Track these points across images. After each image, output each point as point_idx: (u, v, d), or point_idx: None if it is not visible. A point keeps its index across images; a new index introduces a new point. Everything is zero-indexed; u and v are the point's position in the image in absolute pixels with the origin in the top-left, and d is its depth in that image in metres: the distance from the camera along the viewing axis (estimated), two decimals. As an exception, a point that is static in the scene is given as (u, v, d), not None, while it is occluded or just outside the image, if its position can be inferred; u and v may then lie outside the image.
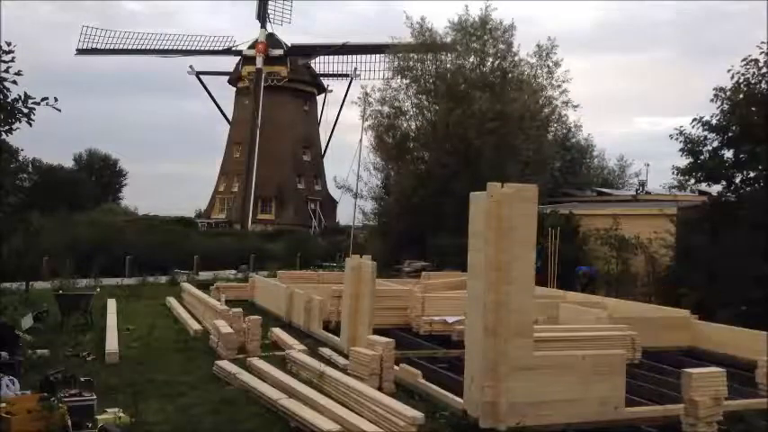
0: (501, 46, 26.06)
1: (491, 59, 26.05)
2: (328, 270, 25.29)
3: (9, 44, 8.21)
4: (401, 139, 25.37)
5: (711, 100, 16.69)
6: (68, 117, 9.33)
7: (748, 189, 16.13)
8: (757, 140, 15.61)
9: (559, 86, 26.71)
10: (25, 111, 8.24)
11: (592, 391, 7.05)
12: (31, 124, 8.36)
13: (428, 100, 25.19)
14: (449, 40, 25.86)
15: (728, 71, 16.36)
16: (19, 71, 8.24)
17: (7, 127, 8.41)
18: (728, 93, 16.32)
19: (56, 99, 8.34)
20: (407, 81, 26.00)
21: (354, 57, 48.59)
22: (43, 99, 8.28)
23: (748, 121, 15.73)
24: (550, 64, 26.44)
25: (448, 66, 25.14)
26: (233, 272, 26.44)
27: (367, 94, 27.08)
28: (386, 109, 26.41)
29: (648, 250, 18.28)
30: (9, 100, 8.22)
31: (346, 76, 49.23)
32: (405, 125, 25.99)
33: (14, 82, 8.22)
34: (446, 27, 26.11)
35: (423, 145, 24.43)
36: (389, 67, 27.91)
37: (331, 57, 49.45)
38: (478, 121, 23.43)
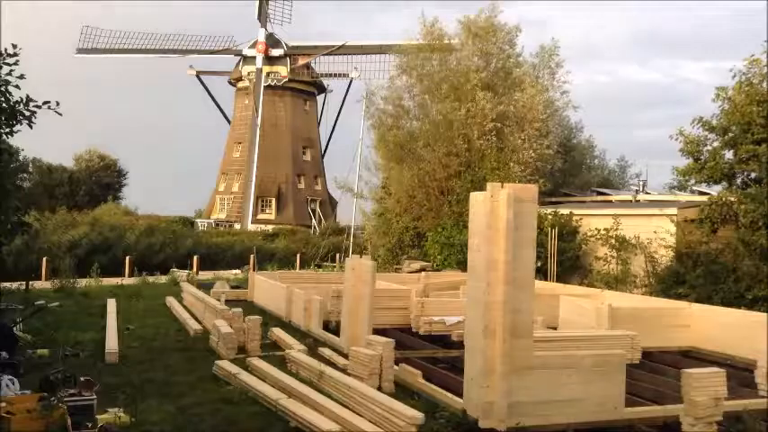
0: (506, 47, 26.10)
1: (495, 60, 26.06)
2: (328, 270, 25.32)
3: (15, 46, 8.19)
4: (403, 139, 25.36)
5: (713, 100, 16.72)
6: (69, 117, 9.31)
7: (749, 189, 16.15)
8: (758, 140, 15.63)
9: (560, 87, 26.81)
10: (27, 113, 8.23)
11: (592, 391, 7.05)
12: (32, 127, 8.35)
13: (431, 99, 25.16)
14: (457, 40, 25.90)
15: (730, 70, 16.38)
16: (22, 75, 8.23)
17: (8, 129, 8.40)
18: (730, 92, 16.35)
19: (57, 103, 8.33)
20: (412, 80, 26.02)
21: (354, 57, 48.66)
22: (45, 102, 8.27)
23: (749, 121, 15.75)
24: (553, 65, 26.52)
25: (453, 64, 25.13)
26: (234, 271, 26.50)
27: (372, 93, 27.13)
28: (389, 108, 26.42)
29: (648, 250, 18.29)
30: (12, 103, 8.20)
31: (346, 76, 49.29)
32: (407, 124, 25.98)
33: (17, 86, 8.21)
34: (455, 24, 26.25)
35: (425, 145, 24.41)
36: (394, 66, 27.88)
37: (331, 57, 49.48)
38: (480, 121, 23.49)
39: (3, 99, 8.16)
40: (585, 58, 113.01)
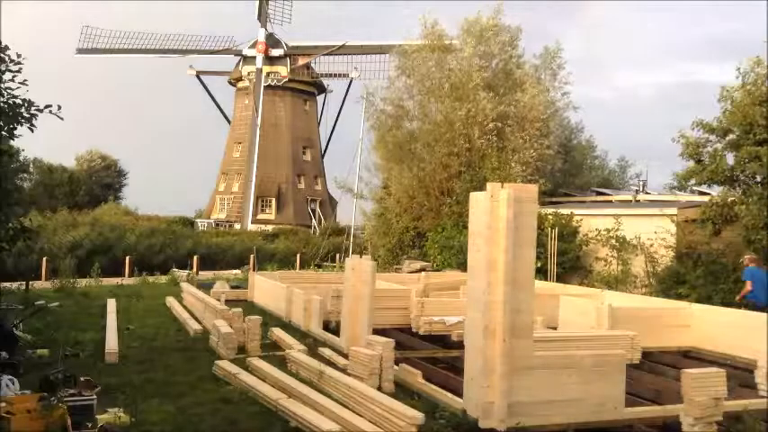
0: (507, 48, 26.16)
1: (497, 61, 26.10)
2: (328, 270, 25.33)
3: (19, 56, 8.17)
4: (403, 139, 25.39)
5: (718, 100, 16.70)
6: (69, 117, 9.30)
7: (749, 189, 16.13)
8: (760, 141, 15.60)
9: (561, 88, 26.90)
10: (27, 116, 8.21)
11: (592, 391, 7.05)
12: (32, 130, 8.33)
13: (430, 100, 25.18)
14: (458, 41, 25.94)
15: (737, 69, 16.37)
16: (24, 80, 8.22)
17: (9, 133, 8.39)
18: (735, 94, 16.33)
19: (59, 107, 8.31)
20: (411, 82, 26.04)
21: (354, 57, 48.66)
22: (47, 106, 8.25)
23: (751, 122, 15.72)
24: (554, 67, 26.63)
25: (454, 64, 25.16)
26: (234, 271, 26.50)
27: (370, 93, 27.14)
28: (389, 108, 26.44)
29: (649, 250, 18.29)
30: (13, 105, 8.18)
31: (346, 76, 49.29)
32: (408, 125, 26.01)
33: (24, 99, 8.18)
34: (456, 24, 26.31)
35: (425, 145, 24.43)
36: (393, 67, 27.94)
37: (331, 57, 49.48)
38: (482, 120, 23.53)
39: (4, 103, 8.15)
40: (655, 59, 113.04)
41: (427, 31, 26.22)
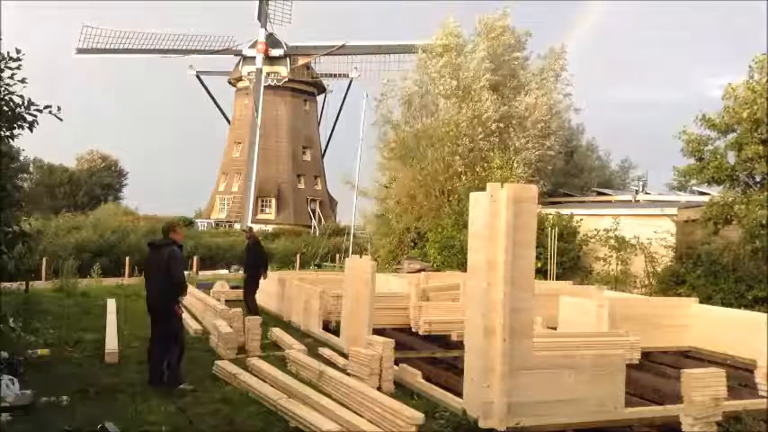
0: (514, 51, 26.21)
1: (503, 62, 26.12)
2: (328, 270, 25.34)
3: (19, 51, 8.15)
4: (409, 138, 25.41)
5: (722, 97, 16.69)
6: (69, 117, 9.30)
7: (750, 190, 16.11)
8: (764, 140, 15.56)
9: (564, 89, 26.97)
10: (29, 119, 8.20)
11: (591, 391, 7.04)
12: (32, 130, 8.33)
13: (437, 99, 25.19)
14: (462, 40, 25.98)
15: (749, 66, 16.37)
16: (23, 78, 8.21)
17: (9, 132, 8.38)
18: (737, 88, 16.30)
19: (59, 108, 8.31)
20: (420, 80, 26.05)
21: (354, 57, 48.65)
22: (46, 107, 8.25)
23: (754, 119, 15.68)
24: (557, 68, 26.67)
25: (460, 63, 25.15)
26: (228, 272, 26.50)
27: (378, 94, 27.17)
28: (395, 107, 26.51)
29: (648, 250, 18.29)
30: (12, 105, 8.17)
31: (346, 76, 49.30)
32: (414, 124, 26.03)
33: (21, 96, 8.18)
34: (463, 26, 26.37)
35: (429, 144, 24.45)
36: (398, 66, 28.06)
37: (331, 57, 49.47)
38: (486, 121, 23.58)
39: (3, 103, 8.13)
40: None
41: (446, 32, 26.16)
